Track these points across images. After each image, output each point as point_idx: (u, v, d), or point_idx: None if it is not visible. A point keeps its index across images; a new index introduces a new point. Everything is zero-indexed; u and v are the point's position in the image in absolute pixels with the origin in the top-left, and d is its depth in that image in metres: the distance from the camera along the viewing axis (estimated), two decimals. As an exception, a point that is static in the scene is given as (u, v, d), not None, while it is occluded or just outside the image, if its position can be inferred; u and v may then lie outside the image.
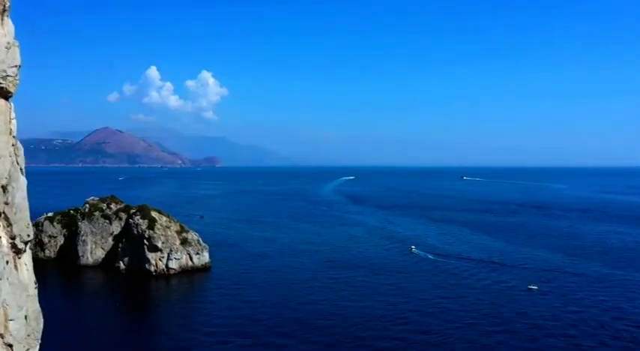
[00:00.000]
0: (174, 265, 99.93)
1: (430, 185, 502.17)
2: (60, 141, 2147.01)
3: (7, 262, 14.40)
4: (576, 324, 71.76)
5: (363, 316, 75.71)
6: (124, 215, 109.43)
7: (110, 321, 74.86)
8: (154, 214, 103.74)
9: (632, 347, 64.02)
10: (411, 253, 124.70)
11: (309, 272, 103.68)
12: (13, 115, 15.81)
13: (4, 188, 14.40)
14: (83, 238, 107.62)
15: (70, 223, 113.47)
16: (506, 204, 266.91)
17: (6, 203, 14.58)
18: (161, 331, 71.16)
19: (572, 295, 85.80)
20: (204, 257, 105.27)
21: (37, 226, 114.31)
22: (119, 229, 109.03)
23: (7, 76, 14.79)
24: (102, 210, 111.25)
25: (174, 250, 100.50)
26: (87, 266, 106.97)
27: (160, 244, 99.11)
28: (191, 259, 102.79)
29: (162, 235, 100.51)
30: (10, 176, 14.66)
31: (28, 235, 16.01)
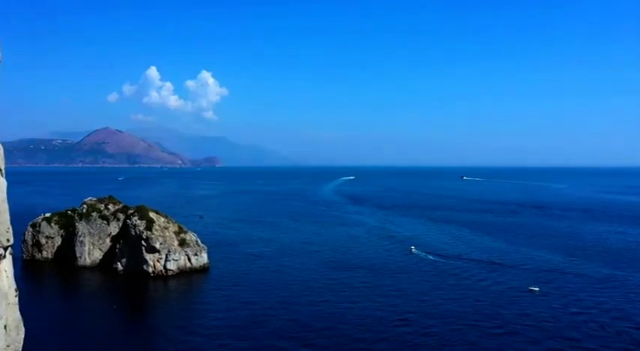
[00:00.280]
0: (172, 266, 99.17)
1: (430, 185, 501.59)
2: (60, 141, 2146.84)
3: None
4: (578, 326, 71.05)
5: (363, 317, 75.05)
6: (121, 216, 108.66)
7: (108, 323, 74.11)
8: (151, 214, 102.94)
9: (634, 349, 63.33)
10: (411, 253, 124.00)
11: (309, 273, 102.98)
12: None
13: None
14: (81, 238, 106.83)
15: (67, 223, 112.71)
16: (506, 204, 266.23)
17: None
18: (159, 332, 70.39)
19: (574, 297, 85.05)
20: (203, 258, 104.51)
21: (35, 226, 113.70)
22: (117, 230, 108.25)
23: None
24: (100, 211, 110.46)
25: (173, 251, 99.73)
26: (84, 267, 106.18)
27: (157, 245, 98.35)
28: (189, 260, 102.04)
29: (160, 236, 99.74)
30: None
31: (8, 240, 15.26)
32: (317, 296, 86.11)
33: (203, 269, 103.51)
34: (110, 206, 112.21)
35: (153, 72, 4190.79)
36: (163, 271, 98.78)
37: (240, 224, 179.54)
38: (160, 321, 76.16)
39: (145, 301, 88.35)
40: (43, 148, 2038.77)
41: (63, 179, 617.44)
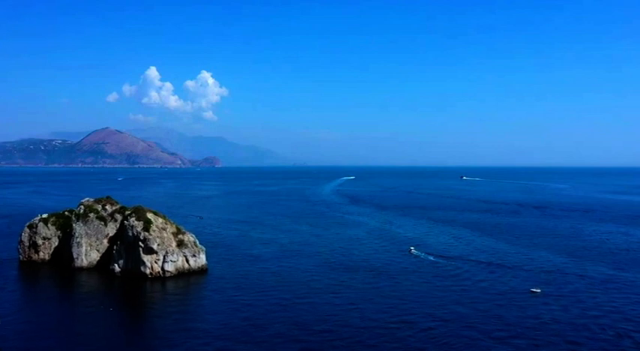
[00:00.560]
0: (170, 267, 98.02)
1: (430, 185, 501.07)
2: (60, 141, 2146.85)
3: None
4: (581, 328, 70.02)
5: (364, 319, 74.22)
6: (119, 217, 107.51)
7: (104, 325, 73.04)
8: (149, 215, 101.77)
9: (638, 352, 62.34)
10: (410, 253, 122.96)
11: (309, 274, 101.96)
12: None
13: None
14: (78, 240, 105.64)
15: (64, 224, 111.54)
16: (506, 204, 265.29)
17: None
18: (156, 335, 69.40)
19: (576, 298, 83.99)
20: (201, 259, 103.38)
21: (32, 227, 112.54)
22: (114, 231, 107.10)
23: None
24: (97, 211, 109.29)
25: (170, 253, 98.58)
26: (82, 269, 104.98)
27: (155, 246, 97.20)
28: (187, 261, 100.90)
29: (157, 237, 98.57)
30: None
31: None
32: (317, 298, 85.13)
33: (201, 271, 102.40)
34: (107, 207, 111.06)
35: (153, 72, 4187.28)
36: (161, 272, 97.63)
37: (239, 225, 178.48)
38: (157, 323, 75.08)
39: (143, 303, 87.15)
40: (42, 148, 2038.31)
41: (62, 179, 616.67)
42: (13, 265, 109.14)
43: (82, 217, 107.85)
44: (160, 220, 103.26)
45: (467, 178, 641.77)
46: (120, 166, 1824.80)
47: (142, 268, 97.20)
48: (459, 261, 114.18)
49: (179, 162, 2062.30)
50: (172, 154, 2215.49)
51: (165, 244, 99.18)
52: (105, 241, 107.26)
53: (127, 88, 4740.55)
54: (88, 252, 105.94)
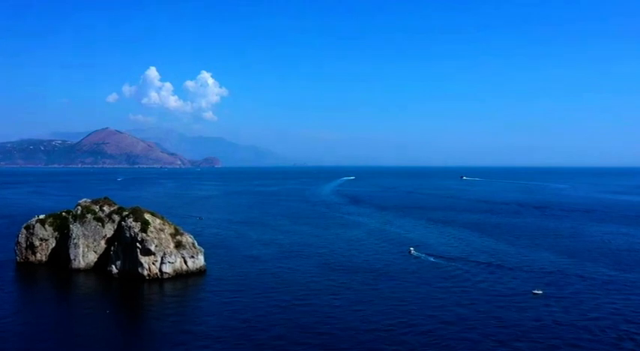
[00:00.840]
0: (168, 269, 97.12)
1: (430, 185, 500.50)
2: (59, 142, 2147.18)
3: None
4: (584, 331, 69.09)
5: (364, 320, 73.45)
6: (117, 218, 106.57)
7: (102, 327, 72.18)
8: (147, 216, 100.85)
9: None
10: (410, 254, 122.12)
11: (308, 275, 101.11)
12: None
13: None
14: (75, 241, 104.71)
15: (61, 225, 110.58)
16: (507, 204, 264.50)
17: None
18: (154, 337, 68.63)
19: (578, 300, 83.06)
20: (200, 261, 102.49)
21: (28, 228, 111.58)
22: (112, 232, 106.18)
23: None
24: (94, 212, 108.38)
25: (168, 254, 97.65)
26: (79, 270, 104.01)
27: (153, 248, 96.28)
28: (185, 262, 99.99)
29: (155, 238, 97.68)
30: None
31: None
32: (317, 299, 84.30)
33: (200, 272, 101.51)
34: (105, 208, 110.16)
35: (152, 72, 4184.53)
36: (159, 274, 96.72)
37: (238, 226, 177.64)
38: (155, 325, 74.25)
39: (140, 304, 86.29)
40: (42, 148, 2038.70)
41: (62, 180, 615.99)
42: (10, 267, 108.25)
43: (80, 218, 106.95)
44: (158, 221, 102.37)
45: (467, 178, 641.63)
46: (120, 166, 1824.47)
47: (140, 270, 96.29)
48: (460, 262, 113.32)
49: (179, 162, 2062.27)
50: (172, 154, 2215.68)
51: (163, 245, 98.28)
52: (102, 242, 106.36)
53: (127, 89, 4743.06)
54: (85, 253, 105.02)
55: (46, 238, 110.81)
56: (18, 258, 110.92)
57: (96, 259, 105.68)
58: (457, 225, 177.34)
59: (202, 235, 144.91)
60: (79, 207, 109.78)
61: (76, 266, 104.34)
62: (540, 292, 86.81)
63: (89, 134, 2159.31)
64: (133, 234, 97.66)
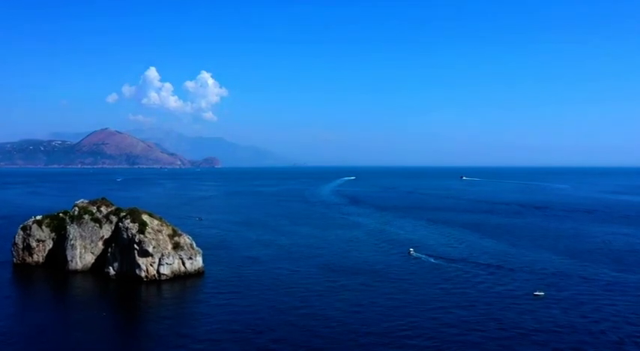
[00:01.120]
0: (165, 270, 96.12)
1: (430, 185, 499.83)
2: (59, 142, 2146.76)
3: None
4: (587, 333, 68.16)
5: (364, 322, 72.61)
6: (114, 218, 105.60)
7: (98, 330, 71.28)
8: (144, 217, 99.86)
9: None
10: (410, 255, 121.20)
11: (308, 276, 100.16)
12: None
13: None
14: (72, 242, 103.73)
15: (58, 226, 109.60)
16: (507, 204, 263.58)
17: None
18: (151, 339, 67.75)
19: (581, 302, 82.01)
20: (198, 262, 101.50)
21: (25, 229, 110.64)
22: (109, 233, 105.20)
23: None
24: (92, 213, 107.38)
25: (166, 255, 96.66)
26: (76, 271, 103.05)
27: (150, 249, 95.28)
28: (183, 264, 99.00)
29: (153, 239, 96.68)
30: None
31: None
32: (317, 301, 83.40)
33: (198, 273, 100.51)
34: (102, 208, 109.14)
35: (152, 72, 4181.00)
36: (156, 275, 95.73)
37: (237, 226, 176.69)
38: (152, 327, 73.40)
39: (138, 306, 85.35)
40: (42, 149, 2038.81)
41: (61, 180, 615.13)
42: (7, 268, 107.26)
43: (77, 219, 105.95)
44: (156, 222, 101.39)
45: (467, 179, 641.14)
46: (119, 166, 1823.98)
47: (137, 271, 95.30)
48: (460, 263, 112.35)
49: (179, 162, 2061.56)
50: (172, 154, 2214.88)
51: (161, 246, 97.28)
52: (100, 243, 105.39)
53: (127, 89, 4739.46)
54: (82, 254, 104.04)
55: (43, 239, 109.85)
56: (15, 259, 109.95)
57: (93, 261, 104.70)
58: (457, 225, 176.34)
59: (201, 235, 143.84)
60: (76, 208, 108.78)
61: (73, 268, 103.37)
62: (542, 293, 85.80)
63: (89, 135, 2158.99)
64: (130, 235, 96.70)
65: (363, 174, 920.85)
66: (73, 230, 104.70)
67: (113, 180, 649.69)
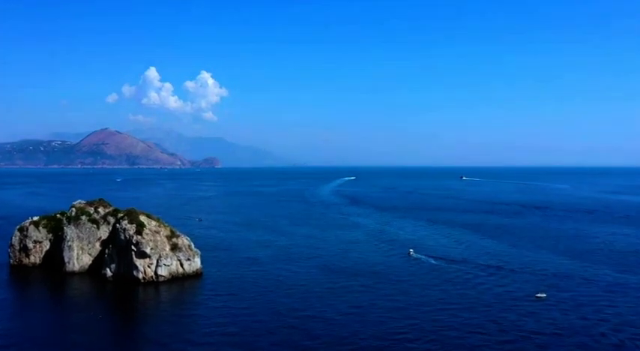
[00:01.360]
0: (163, 271, 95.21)
1: (430, 185, 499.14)
2: (59, 142, 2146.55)
3: None
4: (591, 336, 67.30)
5: (364, 324, 71.80)
6: (112, 219, 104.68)
7: (95, 332, 70.46)
8: (142, 218, 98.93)
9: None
10: (409, 256, 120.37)
11: (306, 279, 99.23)
12: None
13: None
14: (69, 243, 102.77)
15: (56, 227, 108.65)
16: (507, 204, 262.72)
17: None
18: (149, 342, 66.96)
19: (584, 304, 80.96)
20: (196, 263, 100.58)
21: (22, 230, 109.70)
22: (107, 234, 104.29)
23: None
24: (89, 214, 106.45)
25: (164, 256, 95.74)
26: (73, 273, 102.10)
27: (148, 250, 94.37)
28: (182, 265, 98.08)
29: (150, 240, 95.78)
30: None
31: None
32: (317, 303, 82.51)
33: (196, 275, 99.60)
34: (100, 209, 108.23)
35: (152, 73, 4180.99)
36: (154, 277, 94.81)
37: (236, 227, 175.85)
38: (149, 329, 72.61)
39: (135, 308, 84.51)
40: (42, 149, 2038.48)
41: (61, 181, 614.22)
42: (3, 270, 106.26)
43: (74, 220, 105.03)
44: (154, 222, 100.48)
45: (466, 179, 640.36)
46: (119, 167, 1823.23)
47: (135, 273, 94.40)
48: (460, 264, 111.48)
49: (179, 163, 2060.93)
50: (172, 154, 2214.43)
51: (159, 247, 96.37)
52: (97, 244, 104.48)
53: (127, 89, 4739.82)
54: (79, 256, 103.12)
55: (40, 240, 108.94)
56: (11, 260, 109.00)
57: (90, 262, 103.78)
58: (457, 226, 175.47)
59: (201, 236, 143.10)
60: (74, 209, 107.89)
61: (70, 269, 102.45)
62: (543, 295, 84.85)
63: (89, 135, 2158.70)
64: (127, 236, 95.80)
65: (363, 174, 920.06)
66: (70, 231, 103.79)
67: (113, 180, 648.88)
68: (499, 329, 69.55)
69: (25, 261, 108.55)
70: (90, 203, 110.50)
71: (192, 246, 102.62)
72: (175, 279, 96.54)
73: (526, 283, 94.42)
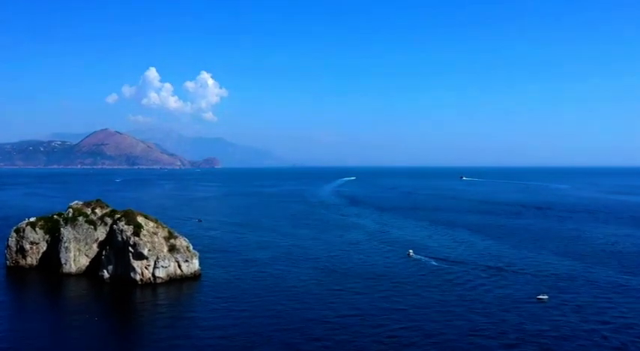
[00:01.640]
0: (161, 273, 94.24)
1: (430, 186, 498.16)
2: (59, 143, 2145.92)
3: None
4: (593, 339, 66.35)
5: (364, 325, 71.02)
6: (109, 220, 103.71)
7: (91, 334, 69.61)
8: (139, 219, 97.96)
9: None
10: (409, 257, 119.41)
11: (307, 279, 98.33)
12: None
13: None
14: (66, 244, 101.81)
15: (52, 228, 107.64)
16: (507, 205, 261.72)
17: None
18: (146, 344, 66.19)
19: (585, 306, 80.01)
20: (194, 265, 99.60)
21: (19, 232, 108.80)
22: (104, 236, 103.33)
23: None
24: (86, 215, 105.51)
25: (162, 258, 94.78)
26: (70, 274, 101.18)
27: (145, 252, 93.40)
28: (180, 266, 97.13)
29: (148, 241, 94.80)
30: None
31: None
32: (316, 304, 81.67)
33: (194, 276, 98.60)
34: (97, 210, 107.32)
35: (152, 73, 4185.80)
36: (152, 278, 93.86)
37: (236, 228, 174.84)
38: (146, 332, 71.74)
39: (132, 310, 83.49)
40: (42, 149, 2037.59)
41: (60, 181, 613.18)
42: (0, 271, 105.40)
43: (71, 221, 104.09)
44: (151, 224, 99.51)
45: (466, 179, 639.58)
46: (119, 167, 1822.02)
47: (132, 275, 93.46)
48: (461, 265, 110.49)
49: (179, 163, 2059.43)
50: (172, 155, 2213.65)
51: (157, 249, 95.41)
52: (94, 245, 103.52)
53: (127, 89, 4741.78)
54: (76, 257, 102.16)
55: (37, 241, 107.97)
56: (8, 262, 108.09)
57: (87, 264, 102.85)
58: (457, 226, 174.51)
59: (200, 237, 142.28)
60: (71, 209, 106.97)
61: (67, 271, 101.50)
62: (545, 297, 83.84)
63: (89, 135, 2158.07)
64: (125, 238, 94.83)
65: (363, 174, 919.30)
66: (67, 232, 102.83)
67: (112, 181, 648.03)
68: (500, 331, 68.58)
69: (22, 262, 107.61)
70: (87, 204, 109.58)
71: (191, 247, 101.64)
72: (173, 281, 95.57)
73: (527, 284, 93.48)
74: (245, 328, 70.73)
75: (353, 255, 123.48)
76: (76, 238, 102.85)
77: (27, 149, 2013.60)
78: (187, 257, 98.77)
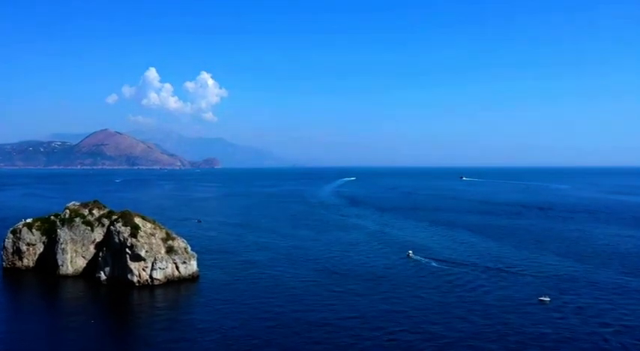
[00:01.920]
0: (158, 275, 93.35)
1: (430, 186, 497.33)
2: (59, 143, 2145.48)
3: None
4: (594, 340, 65.50)
5: (364, 327, 70.27)
6: (106, 222, 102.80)
7: (88, 336, 68.77)
8: (137, 220, 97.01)
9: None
10: (409, 258, 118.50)
11: (306, 280, 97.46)
12: None
13: None
14: (62, 246, 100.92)
15: (49, 229, 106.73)
16: (508, 205, 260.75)
17: None
18: (143, 346, 65.20)
19: (587, 308, 79.17)
20: (192, 266, 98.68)
21: (15, 233, 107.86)
22: (102, 237, 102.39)
23: None
24: (83, 216, 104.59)
25: (159, 259, 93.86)
26: (67, 276, 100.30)
27: (143, 253, 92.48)
28: (177, 268, 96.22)
29: (145, 243, 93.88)
30: None
31: None
32: (315, 306, 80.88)
33: (192, 278, 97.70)
34: (95, 211, 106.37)
35: (152, 73, 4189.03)
36: (149, 280, 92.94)
37: (235, 228, 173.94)
38: (144, 334, 70.78)
39: (129, 312, 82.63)
40: (42, 150, 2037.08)
41: (60, 181, 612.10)
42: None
43: (68, 222, 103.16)
44: (149, 225, 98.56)
45: (466, 179, 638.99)
46: (119, 167, 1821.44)
47: (129, 276, 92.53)
48: (461, 266, 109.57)
49: (179, 163, 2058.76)
50: (172, 155, 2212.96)
51: (154, 250, 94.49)
52: (91, 247, 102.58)
53: (127, 90, 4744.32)
54: (73, 259, 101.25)
55: (34, 242, 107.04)
56: (4, 263, 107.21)
57: (85, 265, 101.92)
58: (457, 227, 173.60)
59: (198, 238, 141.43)
60: (68, 210, 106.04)
61: (63, 272, 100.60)
62: (547, 298, 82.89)
63: (88, 136, 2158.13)
64: (122, 239, 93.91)
65: (363, 175, 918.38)
66: (63, 234, 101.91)
67: (112, 181, 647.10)
68: (501, 333, 67.71)
69: (19, 264, 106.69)
70: (84, 205, 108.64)
71: (189, 248, 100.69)
72: (171, 282, 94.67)
73: (528, 286, 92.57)
74: (244, 330, 69.90)
75: (353, 256, 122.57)
76: (72, 239, 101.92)
77: (27, 150, 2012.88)
78: (185, 258, 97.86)
